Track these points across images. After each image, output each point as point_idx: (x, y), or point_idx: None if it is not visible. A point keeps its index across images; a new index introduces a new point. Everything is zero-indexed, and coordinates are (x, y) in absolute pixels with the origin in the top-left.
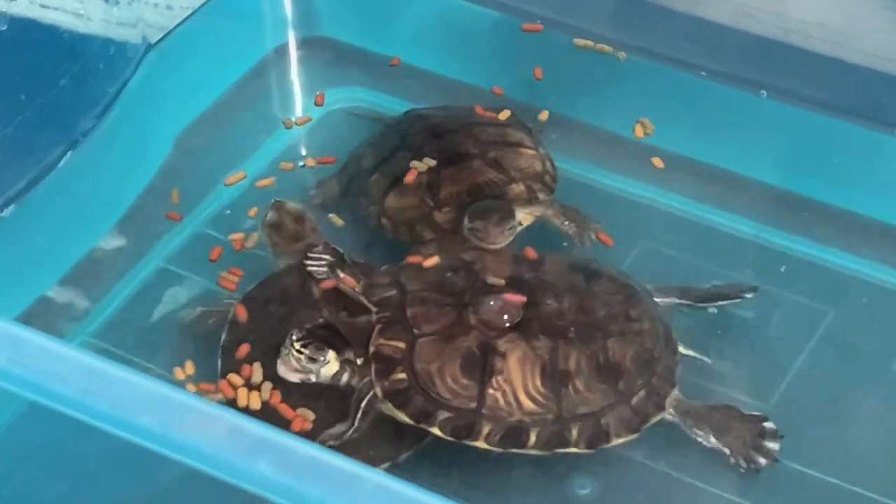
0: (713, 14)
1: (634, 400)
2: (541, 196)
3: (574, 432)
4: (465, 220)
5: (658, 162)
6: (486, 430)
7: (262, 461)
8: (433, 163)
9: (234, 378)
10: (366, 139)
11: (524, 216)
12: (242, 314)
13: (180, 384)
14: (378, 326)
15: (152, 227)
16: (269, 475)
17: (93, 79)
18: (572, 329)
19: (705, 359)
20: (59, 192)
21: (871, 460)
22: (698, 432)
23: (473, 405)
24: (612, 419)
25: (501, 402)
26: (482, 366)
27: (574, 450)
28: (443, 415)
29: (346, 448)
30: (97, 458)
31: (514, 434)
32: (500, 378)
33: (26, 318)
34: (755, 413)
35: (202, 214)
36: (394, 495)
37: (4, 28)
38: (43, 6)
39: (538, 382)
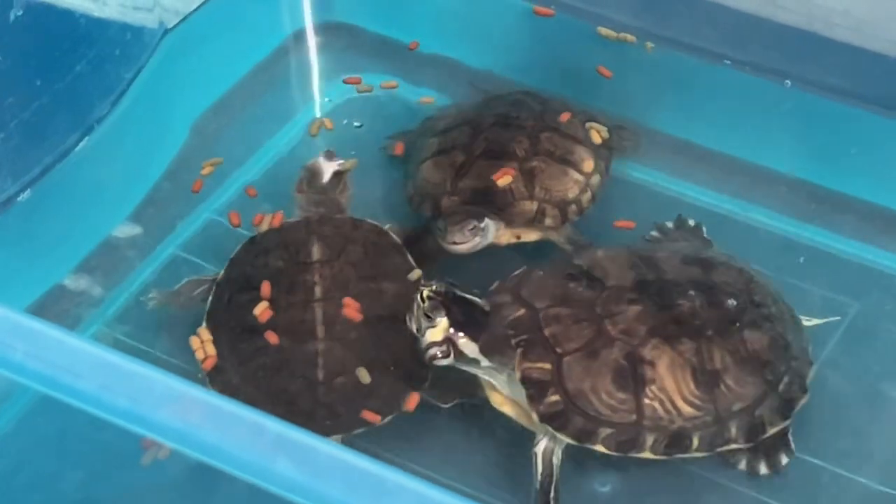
0: (736, 2)
1: (781, 387)
2: (548, 222)
3: (733, 429)
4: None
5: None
6: (650, 440)
7: (282, 459)
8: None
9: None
10: (464, 102)
11: (526, 233)
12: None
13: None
14: (520, 350)
15: (168, 214)
16: (289, 474)
17: (109, 64)
18: (709, 327)
19: (833, 318)
20: (74, 178)
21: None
22: None
23: (634, 418)
24: (765, 410)
25: (661, 411)
26: (634, 377)
27: (734, 446)
28: (605, 431)
29: (300, 421)
30: (110, 449)
31: (678, 440)
32: (654, 387)
33: (41, 305)
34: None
35: (218, 201)
36: (416, 496)
37: (20, 13)
38: None
39: (692, 386)
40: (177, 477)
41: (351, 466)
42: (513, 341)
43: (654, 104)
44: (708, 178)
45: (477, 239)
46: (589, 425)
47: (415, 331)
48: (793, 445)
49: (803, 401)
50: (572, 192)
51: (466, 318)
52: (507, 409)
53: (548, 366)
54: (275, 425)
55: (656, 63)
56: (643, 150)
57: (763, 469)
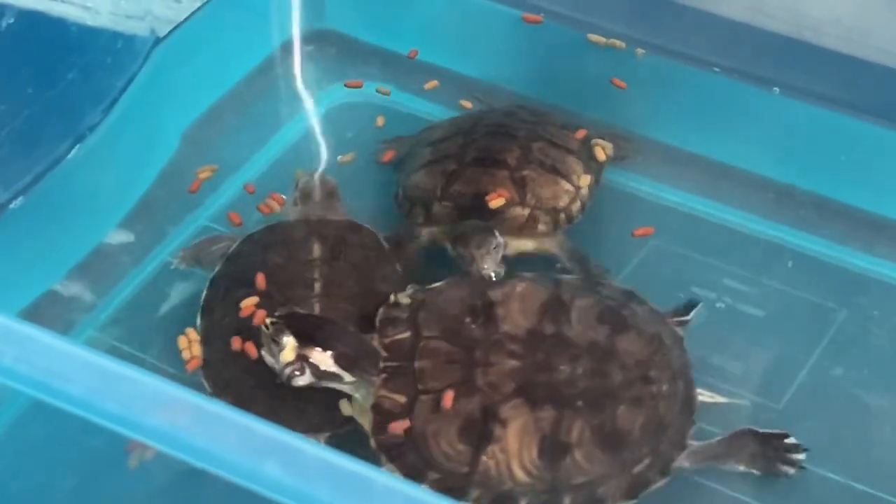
0: (726, 10)
1: (637, 468)
2: (541, 227)
3: (566, 500)
4: (451, 245)
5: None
6: (475, 494)
7: (270, 462)
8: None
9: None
10: (465, 113)
11: (522, 242)
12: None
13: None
14: (383, 376)
15: (159, 222)
16: (278, 477)
17: (101, 72)
18: (581, 397)
19: (738, 400)
20: (66, 186)
21: (884, 461)
22: (723, 467)
23: (465, 470)
24: (609, 488)
25: (493, 471)
26: (480, 432)
27: None
28: (433, 475)
29: (290, 417)
30: (103, 454)
31: (504, 500)
32: (496, 447)
33: (33, 311)
34: (774, 431)
35: (209, 210)
36: (404, 498)
37: (12, 21)
38: None
39: (534, 455)
40: (167, 481)
41: (339, 468)
42: (381, 364)
43: (645, 111)
44: (697, 184)
45: (500, 255)
46: (420, 465)
47: (271, 361)
48: (796, 440)
49: (659, 484)
50: (562, 202)
51: (315, 333)
52: (360, 419)
53: (403, 399)
54: (263, 428)
55: (647, 70)
56: (640, 159)
57: (789, 470)
